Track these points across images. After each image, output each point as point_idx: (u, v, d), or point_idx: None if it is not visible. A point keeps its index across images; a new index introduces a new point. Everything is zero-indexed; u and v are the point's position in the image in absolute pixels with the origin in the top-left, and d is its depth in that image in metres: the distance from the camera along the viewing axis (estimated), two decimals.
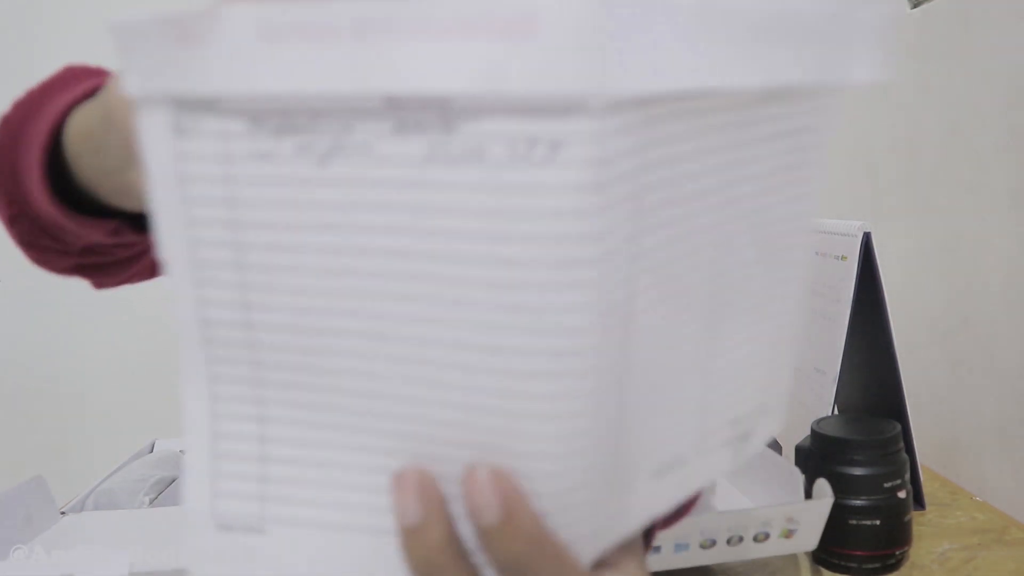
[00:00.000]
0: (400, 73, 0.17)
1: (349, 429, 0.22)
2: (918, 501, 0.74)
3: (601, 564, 0.24)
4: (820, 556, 0.65)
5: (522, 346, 0.20)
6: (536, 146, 0.18)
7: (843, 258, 0.72)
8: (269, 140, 0.19)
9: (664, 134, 0.20)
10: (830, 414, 0.71)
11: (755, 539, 0.59)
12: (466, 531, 0.22)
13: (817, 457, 0.64)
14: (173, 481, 0.74)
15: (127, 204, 0.32)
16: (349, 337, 0.21)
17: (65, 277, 0.38)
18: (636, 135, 0.19)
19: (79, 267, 0.37)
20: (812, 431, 0.66)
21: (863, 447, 0.62)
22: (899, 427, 0.65)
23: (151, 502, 0.71)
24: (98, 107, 0.30)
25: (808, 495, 0.62)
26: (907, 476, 0.64)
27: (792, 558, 0.66)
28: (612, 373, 0.21)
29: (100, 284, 0.38)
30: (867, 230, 0.70)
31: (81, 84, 0.34)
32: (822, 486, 0.60)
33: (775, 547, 0.60)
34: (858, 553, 0.63)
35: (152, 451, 0.84)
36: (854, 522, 0.62)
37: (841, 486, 0.61)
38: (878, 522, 0.62)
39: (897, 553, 0.64)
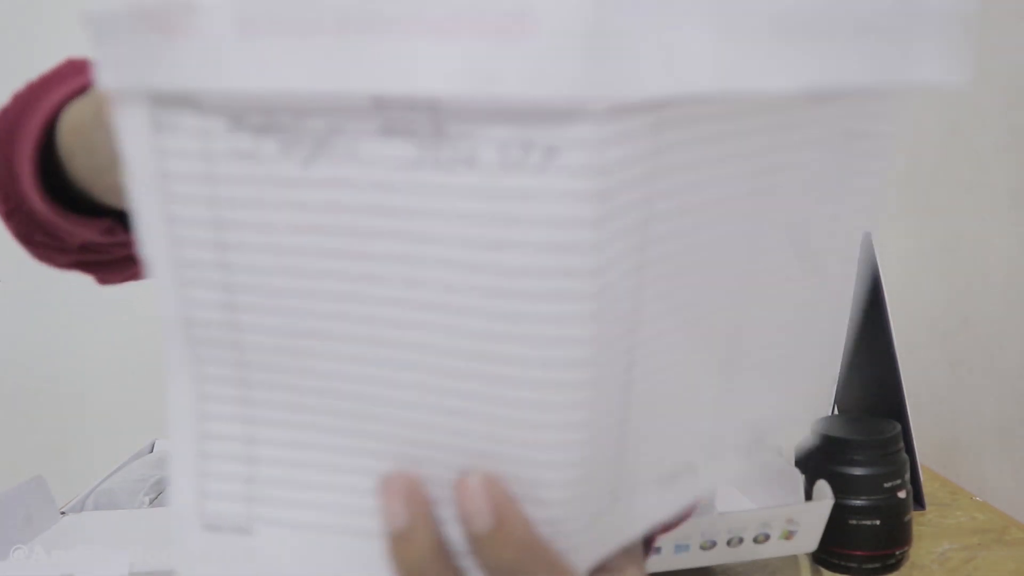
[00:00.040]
0: (386, 72, 0.17)
1: (337, 431, 0.22)
2: (918, 501, 0.74)
3: (600, 568, 0.24)
4: (820, 556, 0.65)
5: (516, 355, 0.19)
6: (531, 151, 0.17)
7: None
8: (251, 139, 0.18)
9: (680, 138, 0.19)
10: (830, 414, 0.71)
11: (755, 540, 0.59)
12: (454, 535, 0.22)
13: (817, 457, 0.64)
14: None
15: (120, 203, 0.31)
16: (336, 340, 0.20)
17: (68, 272, 0.38)
18: (645, 140, 0.18)
19: (80, 263, 0.37)
20: (812, 431, 0.66)
21: (863, 447, 0.62)
22: (899, 427, 0.65)
23: (151, 502, 0.71)
24: (90, 103, 0.30)
25: (808, 496, 0.62)
26: (907, 476, 0.64)
27: (792, 558, 0.66)
28: (613, 385, 0.21)
29: (104, 280, 0.38)
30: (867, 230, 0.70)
31: (79, 78, 0.33)
32: (822, 487, 0.60)
33: (775, 548, 0.60)
34: (858, 553, 0.63)
35: (152, 451, 0.84)
36: (854, 522, 0.62)
37: (841, 486, 0.61)
38: (878, 522, 0.62)
39: (897, 553, 0.64)
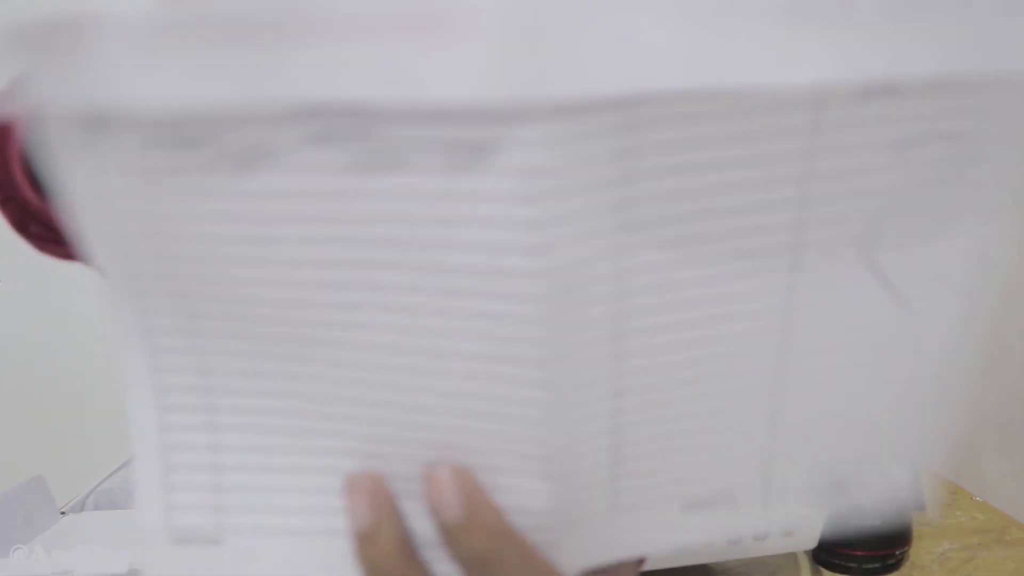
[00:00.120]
0: (306, 79, 0.16)
1: (303, 432, 0.22)
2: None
3: (594, 570, 0.24)
4: (820, 556, 0.65)
5: (473, 351, 0.19)
6: (463, 153, 0.17)
7: None
8: (174, 153, 0.18)
9: (667, 139, 0.18)
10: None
11: (754, 537, 0.59)
12: (423, 529, 0.22)
13: None
14: None
15: None
16: (292, 344, 0.20)
17: (67, 273, 0.38)
18: (607, 141, 0.17)
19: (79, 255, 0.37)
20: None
21: None
22: None
23: None
24: None
25: None
26: None
27: (792, 557, 0.66)
28: (590, 390, 0.20)
29: None
30: None
31: None
32: None
33: (775, 545, 0.60)
34: (858, 553, 0.63)
35: None
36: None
37: None
38: (878, 522, 0.62)
39: (897, 553, 0.64)
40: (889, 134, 0.19)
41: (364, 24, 0.16)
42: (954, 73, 0.17)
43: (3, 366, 1.29)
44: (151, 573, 0.23)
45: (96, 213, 0.20)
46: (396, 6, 0.15)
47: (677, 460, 0.22)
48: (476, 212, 0.17)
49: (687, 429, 0.22)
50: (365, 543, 0.22)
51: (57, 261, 0.38)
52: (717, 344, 0.21)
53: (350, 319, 0.20)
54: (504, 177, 0.17)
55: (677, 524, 0.23)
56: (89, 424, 1.30)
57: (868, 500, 0.24)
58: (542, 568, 0.22)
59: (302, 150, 0.17)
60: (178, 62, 0.16)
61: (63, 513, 0.66)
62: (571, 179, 0.17)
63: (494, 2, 0.15)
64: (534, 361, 0.19)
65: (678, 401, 0.21)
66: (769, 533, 0.56)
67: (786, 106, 0.18)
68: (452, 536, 0.21)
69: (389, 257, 0.18)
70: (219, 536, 0.23)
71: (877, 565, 0.63)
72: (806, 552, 0.66)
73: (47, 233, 0.35)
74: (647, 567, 0.27)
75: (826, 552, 0.64)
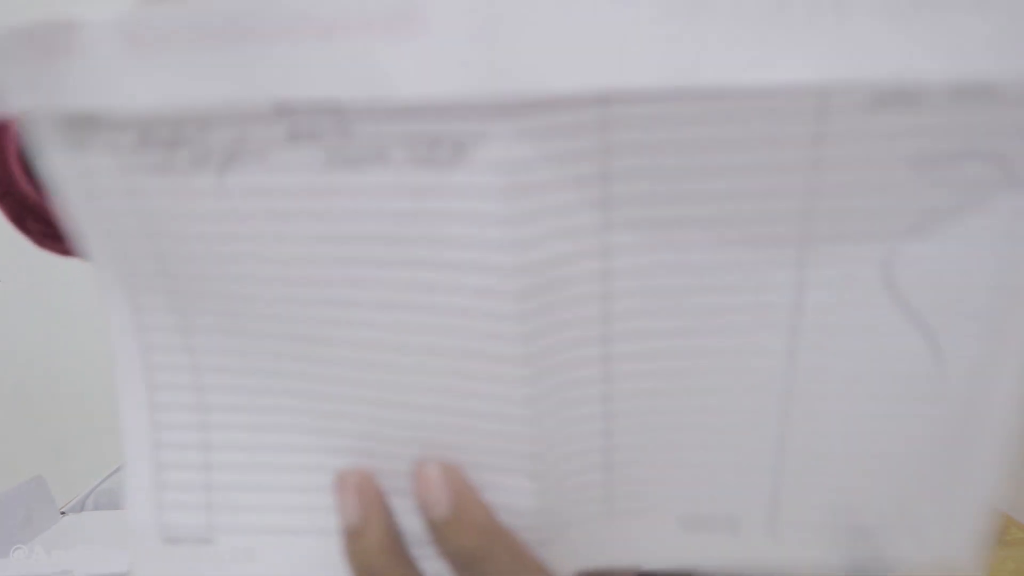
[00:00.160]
0: (280, 77, 0.16)
1: (293, 430, 0.22)
2: None
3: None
4: None
5: (456, 347, 0.19)
6: (439, 147, 0.17)
7: None
8: (162, 152, 0.18)
9: (648, 140, 0.17)
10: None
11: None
12: (413, 526, 0.22)
13: None
14: None
15: None
16: (281, 341, 0.20)
17: (67, 271, 0.38)
18: (582, 138, 0.17)
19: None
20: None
21: None
22: None
23: None
24: None
25: None
26: None
27: None
28: (573, 389, 0.20)
29: None
30: None
31: None
32: None
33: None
34: None
35: None
36: None
37: None
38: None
39: None
40: (908, 149, 0.17)
41: (334, 22, 0.16)
42: (980, 82, 0.16)
43: (3, 366, 1.29)
44: (141, 573, 0.23)
45: (87, 212, 0.20)
46: (364, 3, 0.15)
47: (673, 473, 0.21)
48: (454, 207, 0.17)
49: (683, 441, 0.21)
50: (353, 539, 0.22)
51: (56, 261, 0.38)
52: (709, 356, 0.20)
53: (334, 316, 0.20)
54: (480, 172, 0.17)
55: (675, 541, 0.23)
56: (89, 424, 1.30)
57: (894, 554, 0.22)
58: (531, 566, 0.22)
59: (283, 148, 0.17)
60: (161, 63, 0.17)
61: (63, 513, 0.67)
62: (550, 175, 0.17)
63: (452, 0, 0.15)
64: (518, 358, 0.19)
65: (671, 411, 0.21)
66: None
67: (781, 112, 0.17)
68: (440, 533, 0.21)
69: (370, 253, 0.18)
70: (210, 535, 0.23)
71: None
72: None
73: (45, 228, 0.35)
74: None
75: None
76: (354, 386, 0.21)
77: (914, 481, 0.21)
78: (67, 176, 0.19)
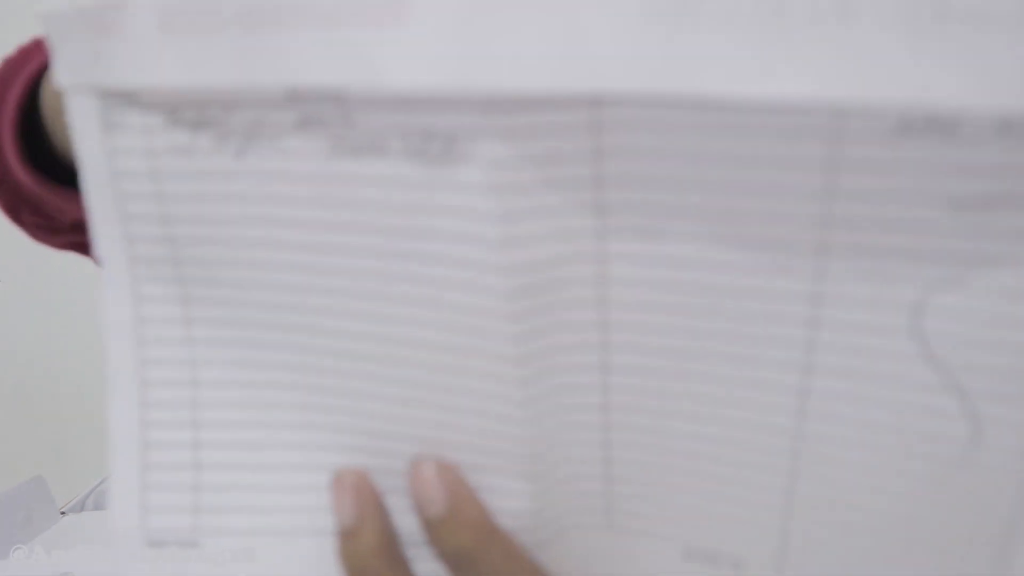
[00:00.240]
0: (292, 65, 0.16)
1: (287, 428, 0.22)
2: None
3: None
4: None
5: (448, 343, 0.19)
6: (432, 141, 0.17)
7: None
8: (187, 133, 0.19)
9: (641, 146, 0.16)
10: None
11: None
12: (408, 527, 0.22)
13: None
14: None
15: None
16: (282, 331, 0.20)
17: (67, 268, 0.37)
18: (574, 139, 0.17)
19: (74, 244, 0.36)
20: None
21: None
22: None
23: None
24: None
25: None
26: None
27: None
28: (572, 394, 0.20)
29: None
30: None
31: None
32: None
33: None
34: None
35: None
36: None
37: None
38: None
39: None
40: (943, 186, 0.15)
41: (335, 11, 0.16)
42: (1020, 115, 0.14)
43: (3, 366, 1.29)
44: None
45: (107, 195, 0.20)
46: None
47: (674, 498, 0.20)
48: (446, 202, 0.17)
49: (684, 467, 0.20)
50: (348, 540, 0.21)
51: (57, 261, 0.38)
52: (711, 382, 0.19)
53: (333, 305, 0.20)
54: (470, 167, 0.17)
55: (677, 570, 0.21)
56: (89, 424, 1.30)
57: None
58: (526, 568, 0.21)
59: (293, 134, 0.18)
60: (189, 46, 0.17)
61: (63, 513, 0.67)
62: (540, 175, 0.17)
63: None
64: (511, 358, 0.19)
65: (671, 433, 0.20)
66: None
67: (789, 129, 0.15)
68: (435, 532, 0.21)
69: (367, 243, 0.19)
70: (195, 538, 0.22)
71: None
72: None
73: (40, 221, 0.34)
74: None
75: None
76: (349, 379, 0.21)
77: (940, 552, 0.18)
78: (94, 156, 0.20)
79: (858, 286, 0.16)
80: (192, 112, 0.18)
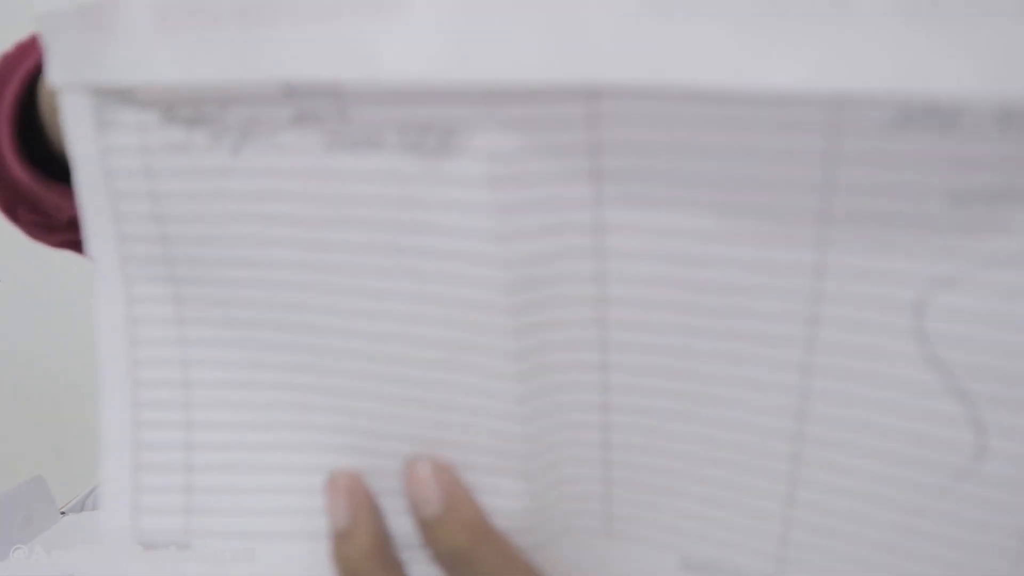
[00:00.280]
0: (289, 60, 0.16)
1: (281, 428, 0.22)
2: None
3: None
4: None
5: (445, 338, 0.19)
6: (428, 134, 0.17)
7: None
8: (183, 130, 0.19)
9: (642, 140, 0.16)
10: None
11: None
12: (402, 529, 0.22)
13: None
14: None
15: None
16: (274, 331, 0.20)
17: (67, 271, 0.37)
18: (571, 131, 0.16)
19: (71, 242, 0.36)
20: None
21: None
22: None
23: None
24: None
25: None
26: None
27: None
28: (571, 392, 0.20)
29: None
30: None
31: None
32: None
33: None
34: None
35: None
36: None
37: None
38: None
39: None
40: (944, 179, 0.15)
41: (333, 5, 0.16)
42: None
43: (3, 366, 1.29)
44: None
45: (101, 194, 0.20)
46: None
47: (673, 503, 0.20)
48: (443, 195, 0.17)
49: (683, 469, 0.20)
50: (341, 542, 0.21)
51: (57, 261, 0.38)
52: (711, 383, 0.18)
53: (327, 303, 0.20)
54: (467, 160, 0.17)
55: None
56: (89, 424, 1.29)
57: None
58: (521, 569, 0.21)
59: (288, 130, 0.18)
60: (186, 41, 0.17)
61: (63, 513, 0.66)
62: (538, 167, 0.17)
63: None
64: (508, 353, 0.19)
65: (671, 435, 0.19)
66: None
67: (785, 121, 0.15)
68: (430, 531, 0.21)
69: (364, 239, 0.18)
70: (187, 540, 0.22)
71: None
72: None
73: (37, 218, 0.34)
74: None
75: None
76: (345, 378, 0.20)
77: (948, 565, 0.18)
78: (88, 155, 0.20)
79: (858, 283, 0.16)
80: (187, 109, 0.18)
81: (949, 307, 0.15)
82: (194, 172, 0.19)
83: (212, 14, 0.17)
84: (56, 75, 0.19)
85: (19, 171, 0.31)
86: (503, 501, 0.21)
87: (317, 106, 0.17)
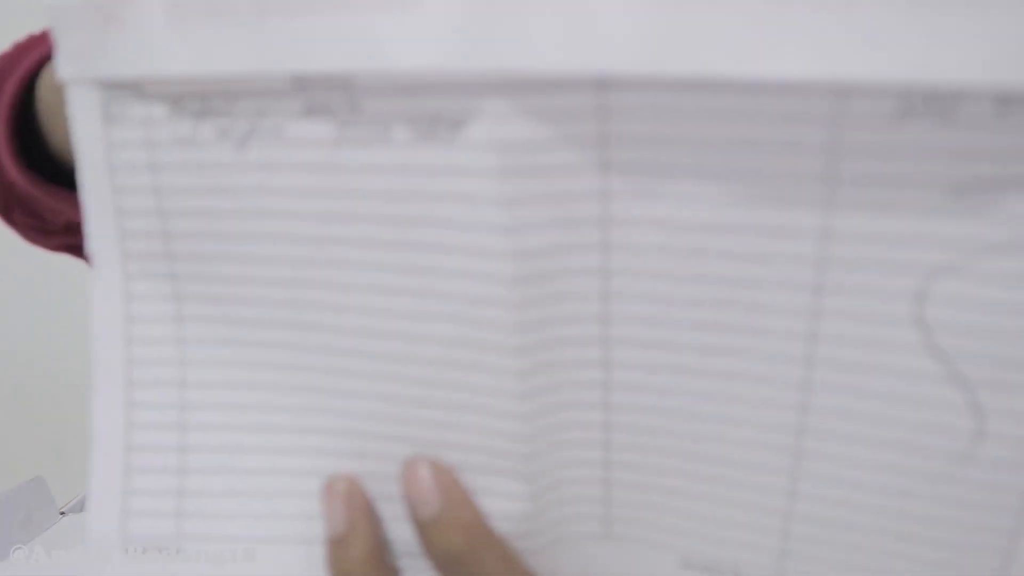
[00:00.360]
0: (300, 52, 0.17)
1: (277, 431, 0.21)
2: None
3: None
4: None
5: (447, 335, 0.19)
6: (439, 126, 0.17)
7: None
8: (190, 125, 0.19)
9: (648, 132, 0.16)
10: None
11: None
12: (397, 533, 0.22)
13: None
14: None
15: None
16: (275, 328, 0.20)
17: (66, 273, 0.37)
18: (579, 123, 0.16)
19: (68, 246, 0.36)
20: None
21: None
22: None
23: None
24: None
25: None
26: None
27: None
28: (573, 391, 0.19)
29: None
30: None
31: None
32: None
33: None
34: None
35: None
36: None
37: None
38: None
39: None
40: (943, 170, 0.15)
41: None
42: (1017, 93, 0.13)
43: (3, 366, 1.29)
44: None
45: (105, 188, 0.20)
46: None
47: (673, 502, 0.20)
48: (451, 187, 0.17)
49: (683, 467, 0.20)
50: (337, 548, 0.21)
51: (57, 261, 0.38)
52: (713, 378, 0.18)
53: (330, 301, 0.19)
54: (475, 150, 0.17)
55: None
56: (89, 424, 1.29)
57: None
58: (519, 572, 0.21)
59: (298, 123, 0.18)
60: (198, 34, 0.17)
61: (63, 513, 0.66)
62: (547, 159, 0.17)
63: None
64: (511, 349, 0.19)
65: (672, 432, 0.19)
66: None
67: (790, 113, 0.15)
68: (428, 533, 0.21)
69: (370, 234, 0.18)
70: (177, 545, 0.22)
71: None
72: None
73: (32, 222, 0.34)
74: None
75: None
76: (345, 379, 0.20)
77: (947, 548, 0.18)
78: (93, 149, 0.20)
79: (860, 274, 0.16)
80: (195, 103, 0.18)
81: (948, 295, 0.16)
82: (199, 166, 0.19)
83: (224, 6, 0.17)
84: (65, 69, 0.19)
85: (15, 174, 0.31)
86: (503, 503, 0.21)
87: (328, 98, 0.17)
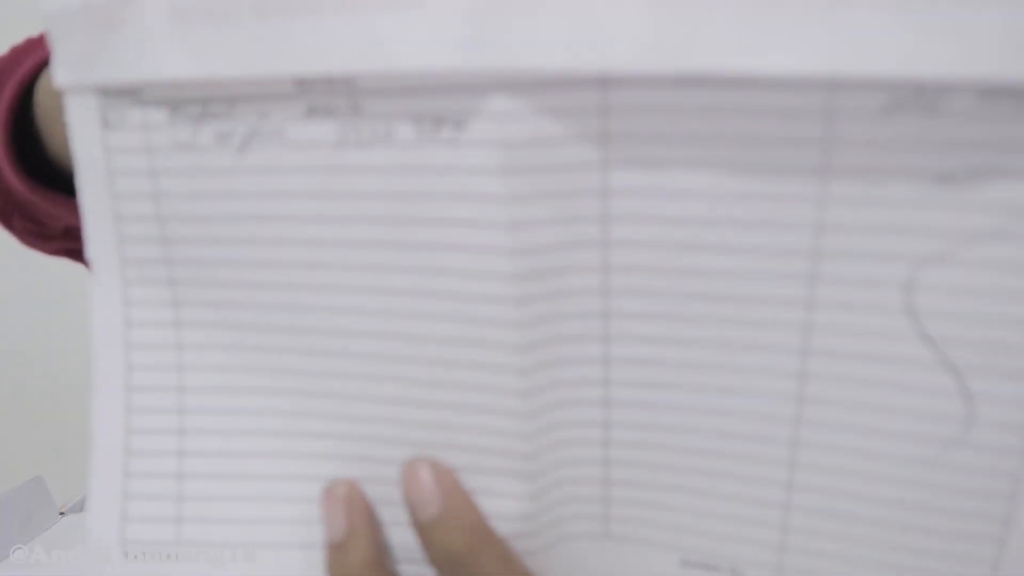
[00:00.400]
0: (303, 54, 0.17)
1: (277, 435, 0.21)
2: None
3: None
4: None
5: (448, 334, 0.19)
6: (442, 125, 0.17)
7: None
8: (189, 128, 0.19)
9: (651, 129, 0.17)
10: None
11: None
12: (399, 540, 0.22)
13: None
14: None
15: None
16: (275, 332, 0.20)
17: (65, 273, 0.37)
18: (581, 121, 0.17)
19: (67, 251, 0.36)
20: None
21: None
22: None
23: None
24: None
25: None
26: None
27: None
28: (574, 390, 0.19)
29: None
30: None
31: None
32: None
33: None
34: None
35: None
36: None
37: None
38: None
39: None
40: (930, 161, 0.15)
41: None
42: (1009, 86, 0.14)
43: (3, 366, 1.29)
44: None
45: (103, 193, 0.20)
46: None
47: (672, 501, 0.20)
48: (456, 187, 0.17)
49: (683, 464, 0.20)
50: (337, 553, 0.21)
51: (55, 262, 0.38)
52: (710, 372, 0.18)
53: (330, 303, 0.20)
54: (478, 148, 0.17)
55: None
56: (89, 425, 1.29)
57: None
58: (520, 573, 0.21)
59: (300, 125, 0.18)
60: (200, 37, 0.17)
61: (63, 513, 0.67)
62: (548, 156, 0.17)
63: None
64: (512, 347, 0.19)
65: (671, 427, 0.19)
66: None
67: (785, 109, 0.16)
68: (429, 534, 0.21)
69: (370, 235, 0.18)
70: (177, 551, 0.22)
71: None
72: None
73: (31, 227, 0.34)
74: None
75: None
76: (345, 382, 0.20)
77: (941, 535, 0.18)
78: (92, 156, 0.20)
79: (852, 264, 0.17)
80: (195, 107, 0.18)
81: (937, 282, 0.16)
82: (199, 171, 0.19)
83: (227, 9, 0.17)
84: (62, 75, 0.19)
85: (13, 179, 0.31)
86: (503, 503, 0.21)
87: (330, 99, 0.18)
